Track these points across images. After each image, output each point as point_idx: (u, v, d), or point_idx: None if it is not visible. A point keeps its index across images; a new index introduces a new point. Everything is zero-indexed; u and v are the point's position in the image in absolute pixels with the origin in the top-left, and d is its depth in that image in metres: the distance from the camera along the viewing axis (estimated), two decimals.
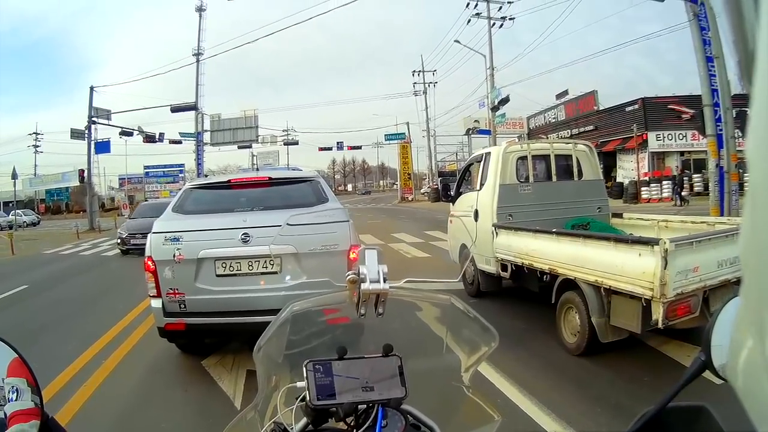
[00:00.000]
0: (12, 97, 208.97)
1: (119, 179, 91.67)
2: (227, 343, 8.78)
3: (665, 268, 6.54)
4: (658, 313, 6.65)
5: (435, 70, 72.23)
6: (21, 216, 64.94)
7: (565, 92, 54.99)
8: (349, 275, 1.89)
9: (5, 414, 1.26)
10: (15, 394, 1.26)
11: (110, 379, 8.09)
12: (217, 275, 7.60)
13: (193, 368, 8.32)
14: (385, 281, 1.85)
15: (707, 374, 1.39)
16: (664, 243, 6.61)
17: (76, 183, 64.69)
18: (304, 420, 1.78)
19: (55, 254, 28.65)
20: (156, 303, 7.73)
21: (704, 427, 1.46)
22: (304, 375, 1.76)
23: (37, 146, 78.41)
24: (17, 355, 1.30)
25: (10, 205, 66.87)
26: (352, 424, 1.73)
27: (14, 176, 59.52)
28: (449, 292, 2.12)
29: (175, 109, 54.57)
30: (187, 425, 6.23)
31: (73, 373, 8.27)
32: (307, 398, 1.73)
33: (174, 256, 7.54)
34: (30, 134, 79.28)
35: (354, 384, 1.77)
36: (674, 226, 9.51)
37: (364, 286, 1.83)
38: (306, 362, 1.78)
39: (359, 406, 1.74)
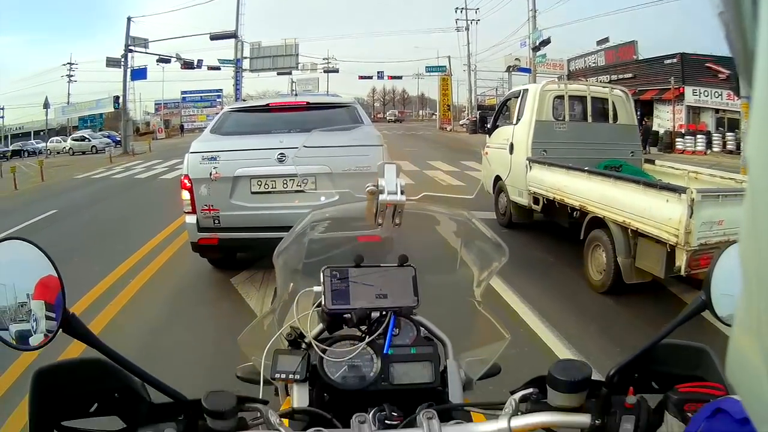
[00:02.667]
0: (47, 29, 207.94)
1: (155, 104, 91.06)
2: (257, 261, 8.84)
3: (691, 217, 6.56)
4: (681, 260, 6.69)
5: (478, 9, 70.63)
6: (99, 138, 61.51)
7: (606, 39, 53.83)
8: (368, 186, 1.94)
9: (47, 336, 1.33)
10: (35, 323, 1.32)
11: (138, 296, 8.26)
12: (252, 192, 7.81)
13: (222, 286, 8.47)
14: (402, 193, 1.90)
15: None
16: (692, 192, 6.63)
17: (111, 109, 64.59)
18: (320, 326, 1.86)
19: (86, 179, 28.10)
20: (190, 219, 7.94)
21: (703, 369, 1.48)
22: (321, 280, 1.84)
23: (71, 75, 77.94)
24: (57, 278, 1.35)
25: (41, 133, 66.32)
26: (365, 330, 1.80)
27: (46, 105, 59.68)
28: (465, 207, 2.16)
29: (215, 37, 54.17)
30: (213, 341, 6.30)
31: (100, 292, 8.40)
32: (323, 303, 1.81)
33: (210, 174, 7.72)
34: (64, 64, 78.85)
35: (368, 291, 1.85)
36: (704, 178, 9.41)
37: (382, 197, 1.88)
38: (324, 268, 1.86)
39: (372, 314, 1.81)
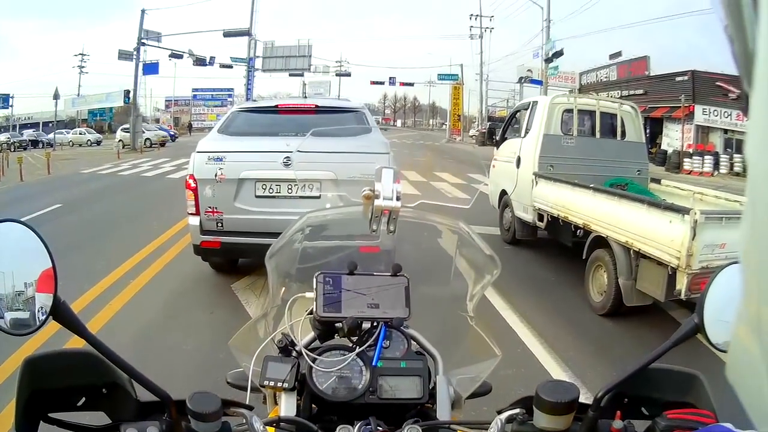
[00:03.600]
0: (61, 19, 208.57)
1: (166, 100, 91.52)
2: (259, 267, 8.75)
3: (693, 239, 6.52)
4: (682, 284, 6.65)
5: (492, 17, 70.62)
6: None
7: (619, 53, 53.86)
8: (364, 191, 1.96)
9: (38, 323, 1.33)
10: (43, 316, 1.32)
11: (137, 298, 8.22)
12: (257, 196, 7.79)
13: (222, 291, 8.45)
14: (398, 199, 1.91)
15: None
16: (695, 213, 6.57)
17: (121, 103, 64.57)
18: (312, 334, 1.85)
19: (92, 174, 27.93)
20: (194, 221, 7.91)
21: (693, 395, 1.47)
22: (314, 286, 1.82)
23: (83, 67, 78.06)
24: (51, 266, 1.34)
25: (50, 125, 66.18)
26: (355, 341, 1.78)
27: (56, 96, 59.90)
28: (465, 219, 2.14)
29: (228, 34, 54.33)
30: (209, 347, 6.24)
31: (99, 291, 8.36)
32: (314, 310, 1.80)
33: (216, 175, 7.70)
34: (76, 55, 78.84)
35: (360, 300, 1.84)
36: (709, 200, 9.38)
37: (378, 202, 1.89)
38: (317, 273, 1.85)
39: (363, 324, 1.79)
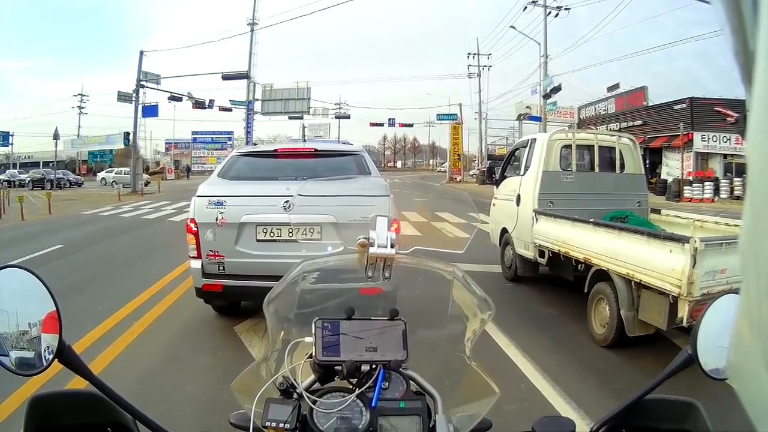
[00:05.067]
0: (59, 59, 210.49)
1: (166, 143, 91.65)
2: (262, 310, 8.69)
3: (694, 267, 6.53)
4: (683, 312, 6.66)
5: (490, 54, 70.93)
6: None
7: (617, 85, 54.23)
8: (360, 239, 1.99)
9: (44, 363, 1.36)
10: (34, 350, 1.35)
11: (139, 340, 8.18)
12: (258, 240, 7.80)
13: (225, 333, 8.42)
14: (392, 247, 1.95)
15: None
16: (695, 241, 6.60)
17: (121, 146, 64.73)
18: (312, 377, 1.87)
19: (93, 215, 28.37)
20: (195, 264, 7.92)
21: (691, 423, 1.49)
22: (313, 331, 1.86)
23: (82, 107, 78.32)
24: (55, 308, 1.37)
25: (50, 165, 66.23)
26: (355, 383, 1.80)
27: (56, 136, 60.14)
28: (465, 260, 2.17)
29: (227, 77, 54.40)
30: (213, 390, 6.15)
31: (101, 333, 8.34)
32: (314, 354, 1.83)
33: (216, 219, 7.73)
34: (75, 95, 79.11)
35: (359, 344, 1.87)
36: (709, 226, 9.41)
37: (373, 250, 1.93)
38: (316, 319, 1.89)
39: (362, 367, 1.81)
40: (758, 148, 0.65)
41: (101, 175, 63.15)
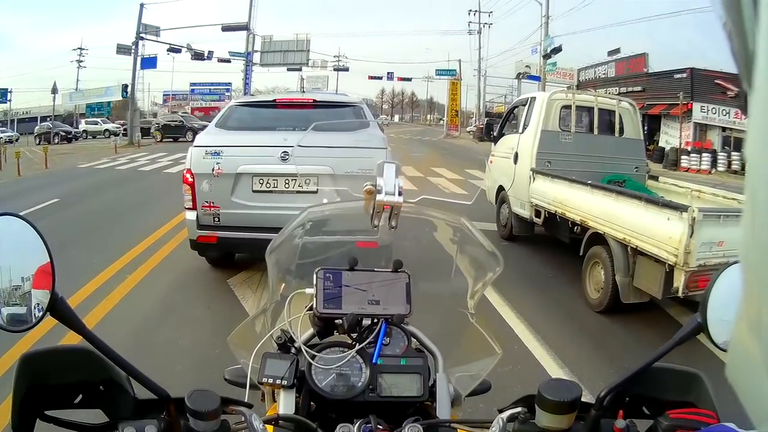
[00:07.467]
0: (58, 12, 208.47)
1: (163, 95, 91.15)
2: (255, 263, 8.78)
3: (691, 236, 6.50)
4: (679, 281, 6.64)
5: (491, 12, 70.68)
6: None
7: (617, 50, 53.77)
8: (366, 186, 1.92)
9: (35, 319, 1.32)
10: (40, 312, 1.31)
11: (133, 293, 8.21)
12: (254, 191, 7.79)
13: (219, 286, 8.44)
14: (400, 194, 1.88)
15: None
16: (693, 210, 6.56)
17: (119, 98, 64.35)
18: (311, 331, 1.84)
19: (90, 168, 27.91)
20: (191, 215, 7.90)
21: (695, 394, 1.47)
22: (314, 282, 1.82)
23: (81, 61, 77.80)
24: (49, 260, 1.34)
25: (48, 119, 64.60)
26: (355, 338, 1.78)
27: (54, 91, 59.82)
28: (464, 215, 2.13)
29: (226, 28, 54.03)
30: (205, 343, 6.22)
31: (96, 287, 8.35)
32: (314, 306, 1.79)
33: (213, 169, 7.70)
34: (74, 49, 78.58)
35: (361, 296, 1.83)
36: (707, 197, 9.38)
37: (380, 197, 1.86)
38: (317, 269, 1.84)
39: (364, 321, 1.78)
40: (758, 149, 0.64)
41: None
